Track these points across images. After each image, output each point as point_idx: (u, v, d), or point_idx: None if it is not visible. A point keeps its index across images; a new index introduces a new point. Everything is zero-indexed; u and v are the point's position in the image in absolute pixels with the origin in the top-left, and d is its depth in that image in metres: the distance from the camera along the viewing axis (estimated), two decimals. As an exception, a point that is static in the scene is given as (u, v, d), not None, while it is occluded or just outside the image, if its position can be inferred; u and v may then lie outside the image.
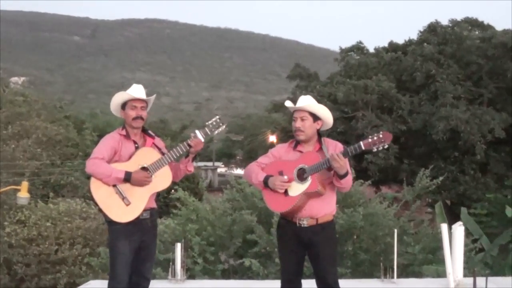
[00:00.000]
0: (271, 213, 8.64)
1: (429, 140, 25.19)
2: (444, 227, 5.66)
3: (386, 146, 4.46)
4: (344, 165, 4.48)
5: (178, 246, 7.29)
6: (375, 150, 4.49)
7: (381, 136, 4.44)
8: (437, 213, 10.58)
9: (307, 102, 4.79)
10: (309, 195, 4.62)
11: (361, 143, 4.47)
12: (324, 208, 4.73)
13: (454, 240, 5.84)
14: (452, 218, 15.01)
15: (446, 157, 25.64)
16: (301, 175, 4.64)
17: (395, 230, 7.30)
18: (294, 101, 4.88)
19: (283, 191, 4.66)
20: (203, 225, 9.27)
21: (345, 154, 4.49)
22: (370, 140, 4.45)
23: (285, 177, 4.67)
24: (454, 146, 25.01)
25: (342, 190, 4.79)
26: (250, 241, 8.88)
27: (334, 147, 4.73)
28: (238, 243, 8.93)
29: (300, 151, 4.79)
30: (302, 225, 4.69)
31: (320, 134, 4.88)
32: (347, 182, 4.62)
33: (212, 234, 9.04)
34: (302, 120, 4.74)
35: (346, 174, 4.54)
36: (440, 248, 8.42)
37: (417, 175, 10.82)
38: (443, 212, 10.40)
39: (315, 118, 4.77)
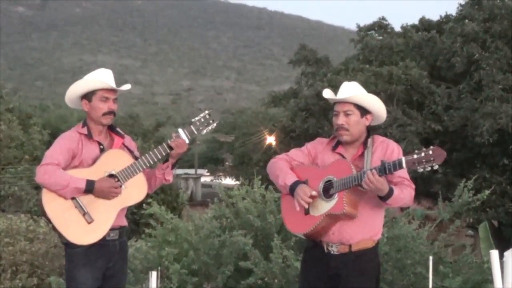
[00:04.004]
0: (270, 234, 8.64)
1: (470, 143, 25.17)
2: (494, 254, 5.63)
3: (436, 167, 4.19)
4: (381, 187, 4.28)
5: (153, 276, 7.27)
6: (420, 170, 4.24)
7: (431, 152, 4.17)
8: (481, 237, 10.56)
9: (352, 91, 4.62)
10: (334, 217, 4.45)
11: (403, 159, 4.26)
12: (361, 232, 4.56)
13: (507, 271, 5.81)
14: (500, 243, 15.04)
15: (492, 165, 25.56)
16: (328, 190, 4.47)
17: (430, 258, 7.28)
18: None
19: (300, 207, 4.49)
20: (184, 249, 9.26)
21: (380, 171, 4.27)
22: (415, 156, 4.21)
23: (313, 192, 4.48)
24: (503, 151, 24.95)
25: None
26: (243, 269, 8.84)
27: (383, 151, 4.58)
28: (228, 272, 8.90)
29: (340, 154, 4.62)
30: (332, 252, 4.56)
31: (369, 131, 4.70)
32: (396, 201, 4.43)
33: (195, 260, 9.01)
34: (347, 115, 4.58)
35: (390, 193, 4.34)
36: (486, 281, 8.43)
37: (454, 187, 10.78)
38: (489, 235, 10.39)
39: (363, 112, 4.61)
